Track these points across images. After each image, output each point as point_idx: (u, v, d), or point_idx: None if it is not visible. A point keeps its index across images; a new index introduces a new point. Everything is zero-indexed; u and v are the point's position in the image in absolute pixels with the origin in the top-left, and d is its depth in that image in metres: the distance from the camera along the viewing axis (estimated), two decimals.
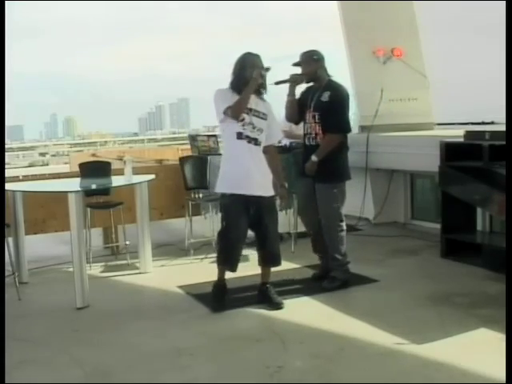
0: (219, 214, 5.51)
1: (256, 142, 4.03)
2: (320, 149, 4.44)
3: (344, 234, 4.59)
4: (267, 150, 4.13)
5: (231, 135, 4.00)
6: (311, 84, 4.62)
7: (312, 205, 4.59)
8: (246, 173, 3.96)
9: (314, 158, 4.45)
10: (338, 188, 4.52)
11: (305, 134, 4.60)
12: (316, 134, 4.50)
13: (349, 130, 4.56)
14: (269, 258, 4.19)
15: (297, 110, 4.64)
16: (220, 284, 4.21)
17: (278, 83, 4.48)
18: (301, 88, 4.70)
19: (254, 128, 4.00)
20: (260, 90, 4.06)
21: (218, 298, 4.19)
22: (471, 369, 3.04)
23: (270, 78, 4.18)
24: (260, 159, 4.07)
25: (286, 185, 4.34)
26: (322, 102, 4.46)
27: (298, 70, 4.60)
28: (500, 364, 2.71)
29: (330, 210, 4.53)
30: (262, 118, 4.05)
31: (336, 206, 4.52)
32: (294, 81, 4.57)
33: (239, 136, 3.98)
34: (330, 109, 4.41)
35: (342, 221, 4.58)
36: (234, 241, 4.05)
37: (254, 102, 4.02)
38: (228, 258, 4.12)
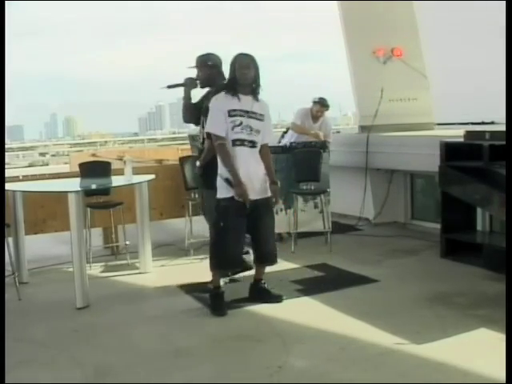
0: None
1: (253, 144, 4.02)
2: (204, 154, 4.40)
3: None
4: (260, 149, 4.12)
5: (228, 143, 3.98)
6: (209, 89, 4.55)
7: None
8: (245, 178, 3.94)
9: (197, 163, 4.49)
10: None
11: (202, 139, 4.52)
12: (204, 139, 4.42)
13: None
14: (266, 257, 4.19)
15: (193, 114, 4.57)
16: (218, 292, 4.15)
17: (170, 87, 4.53)
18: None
19: (251, 130, 4.00)
20: (256, 90, 4.04)
21: (219, 305, 4.12)
22: (471, 369, 3.04)
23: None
24: (257, 161, 4.06)
25: (279, 183, 4.30)
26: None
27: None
28: (500, 364, 2.71)
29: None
30: (258, 120, 4.04)
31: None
32: (186, 85, 4.54)
33: (235, 143, 3.97)
34: None
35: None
36: (233, 244, 4.02)
37: (250, 103, 4.01)
38: (227, 262, 4.08)
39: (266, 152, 4.16)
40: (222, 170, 3.99)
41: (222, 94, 4.03)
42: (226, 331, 3.75)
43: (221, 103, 4.00)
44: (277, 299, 4.20)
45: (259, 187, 4.02)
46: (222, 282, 4.57)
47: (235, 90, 3.98)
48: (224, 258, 4.06)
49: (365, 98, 7.03)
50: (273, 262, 4.23)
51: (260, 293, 4.25)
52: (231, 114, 3.96)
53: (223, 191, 4.00)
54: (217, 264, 4.10)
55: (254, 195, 3.97)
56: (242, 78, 3.97)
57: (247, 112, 3.99)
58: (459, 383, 2.94)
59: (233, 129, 3.95)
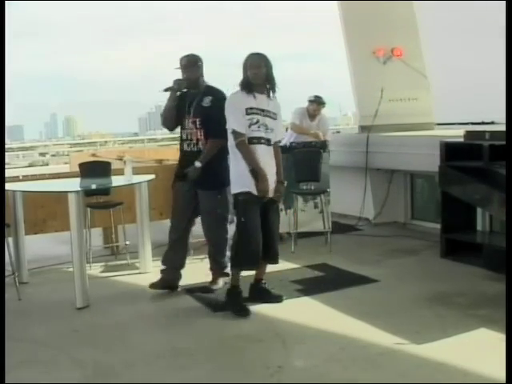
0: None
1: (269, 142, 4.06)
2: (204, 154, 4.35)
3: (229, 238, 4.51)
4: (272, 147, 4.15)
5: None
6: (186, 90, 4.48)
7: (186, 210, 4.54)
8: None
9: (197, 164, 4.33)
10: (223, 194, 4.41)
11: (183, 140, 4.49)
12: (198, 140, 4.40)
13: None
14: (270, 256, 4.18)
15: (174, 118, 4.51)
16: (238, 291, 4.11)
17: (166, 90, 4.44)
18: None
19: (267, 129, 4.04)
20: (270, 90, 4.08)
21: (242, 304, 4.07)
22: (471, 369, 3.04)
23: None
24: (272, 159, 4.11)
25: (285, 183, 4.32)
26: (203, 107, 4.37)
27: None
28: (500, 364, 2.71)
29: (215, 215, 4.46)
30: (272, 118, 4.09)
31: (220, 211, 4.45)
32: (177, 87, 4.45)
33: (252, 141, 3.99)
34: (212, 114, 4.31)
35: (225, 225, 4.54)
36: (256, 239, 4.00)
37: (265, 102, 4.05)
38: (250, 258, 4.03)
39: (277, 150, 4.21)
40: (238, 164, 4.01)
41: (239, 92, 4.04)
42: (226, 331, 3.75)
43: (238, 101, 4.02)
44: (277, 299, 4.20)
45: (272, 185, 4.06)
46: (221, 282, 4.58)
47: (251, 88, 4.00)
48: (248, 255, 4.01)
49: (365, 98, 7.03)
50: (276, 261, 4.23)
51: (260, 293, 4.25)
52: (248, 112, 3.99)
53: (238, 186, 4.02)
54: (242, 261, 4.06)
55: (269, 193, 4.03)
56: (254, 77, 3.98)
57: (263, 110, 4.03)
58: (459, 383, 2.94)
59: (250, 127, 3.99)
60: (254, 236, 3.99)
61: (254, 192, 3.96)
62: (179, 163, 4.61)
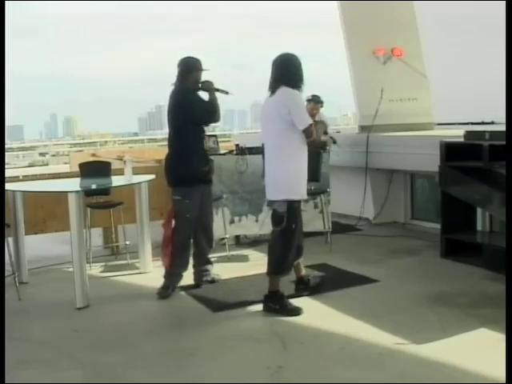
0: (219, 214, 5.54)
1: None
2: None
3: None
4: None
5: (299, 139, 3.99)
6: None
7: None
8: (305, 178, 4.09)
9: None
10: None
11: (210, 136, 4.86)
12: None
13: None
14: (301, 253, 4.27)
15: None
16: (281, 294, 4.11)
17: (222, 91, 4.55)
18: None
19: None
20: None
21: (290, 304, 4.06)
22: (471, 369, 3.04)
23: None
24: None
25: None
26: None
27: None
28: (500, 364, 2.71)
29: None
30: None
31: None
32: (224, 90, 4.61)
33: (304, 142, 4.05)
34: None
35: None
36: (295, 245, 4.09)
37: None
38: (291, 264, 4.13)
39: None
40: (300, 168, 4.04)
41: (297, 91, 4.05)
42: (226, 331, 3.74)
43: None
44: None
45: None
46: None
47: (301, 88, 4.07)
48: (290, 261, 4.11)
49: (365, 98, 7.03)
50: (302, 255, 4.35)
51: (307, 285, 4.36)
52: None
53: (295, 193, 4.02)
54: (286, 268, 4.10)
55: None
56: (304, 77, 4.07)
57: None
58: (459, 383, 2.94)
59: None
60: (296, 242, 4.07)
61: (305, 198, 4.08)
62: (205, 163, 4.60)
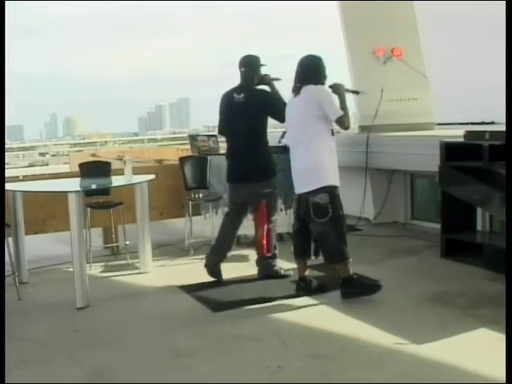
0: (219, 214, 5.54)
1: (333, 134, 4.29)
2: None
3: None
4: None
5: (328, 131, 4.21)
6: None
7: None
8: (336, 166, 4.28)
9: None
10: None
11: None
12: None
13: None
14: (318, 251, 4.43)
15: None
16: (354, 276, 4.22)
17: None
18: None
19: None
20: None
21: (367, 284, 4.28)
22: (471, 369, 3.04)
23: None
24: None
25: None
26: None
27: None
28: (500, 364, 2.71)
29: None
30: None
31: None
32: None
33: (333, 132, 4.25)
34: None
35: None
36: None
37: None
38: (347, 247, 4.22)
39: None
40: (333, 157, 4.24)
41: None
42: (226, 331, 3.74)
43: None
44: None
45: None
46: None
47: (324, 84, 4.27)
48: (346, 245, 4.20)
49: (365, 98, 7.02)
50: None
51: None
52: None
53: (334, 179, 4.21)
54: (347, 252, 4.19)
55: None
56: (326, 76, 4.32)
57: None
58: (459, 383, 2.94)
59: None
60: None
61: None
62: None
